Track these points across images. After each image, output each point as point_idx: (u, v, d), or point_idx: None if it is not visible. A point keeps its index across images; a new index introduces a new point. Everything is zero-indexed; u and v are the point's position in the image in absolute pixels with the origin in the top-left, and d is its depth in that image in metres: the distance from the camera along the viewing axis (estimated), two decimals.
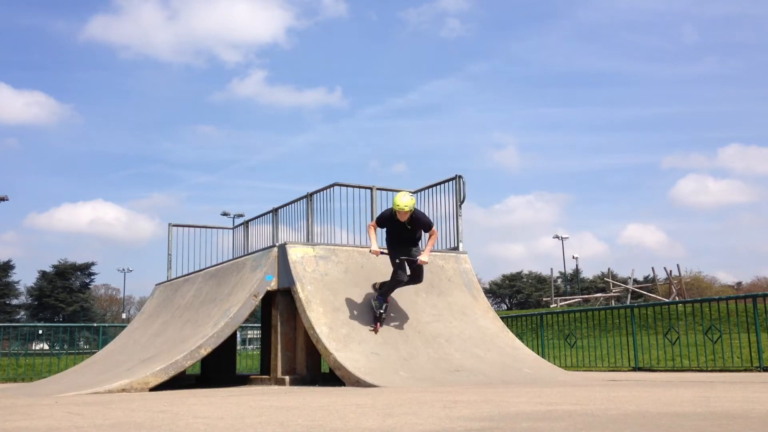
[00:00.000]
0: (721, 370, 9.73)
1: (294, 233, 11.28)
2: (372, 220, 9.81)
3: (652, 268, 50.54)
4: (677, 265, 44.79)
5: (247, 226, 13.47)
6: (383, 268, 9.00)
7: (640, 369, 10.87)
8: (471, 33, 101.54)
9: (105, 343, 13.91)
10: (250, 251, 11.77)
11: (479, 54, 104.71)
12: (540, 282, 71.83)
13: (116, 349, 11.07)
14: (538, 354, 10.25)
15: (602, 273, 62.57)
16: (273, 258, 8.67)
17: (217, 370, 10.95)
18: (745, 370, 9.56)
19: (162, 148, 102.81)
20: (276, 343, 8.58)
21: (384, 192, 10.11)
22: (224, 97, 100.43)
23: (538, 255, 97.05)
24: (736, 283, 72.13)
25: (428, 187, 10.32)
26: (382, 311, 8.15)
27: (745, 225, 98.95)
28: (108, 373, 8.67)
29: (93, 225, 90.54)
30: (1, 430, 3.44)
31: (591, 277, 71.98)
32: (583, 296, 48.66)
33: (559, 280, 67.76)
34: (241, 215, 39.03)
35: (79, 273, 59.17)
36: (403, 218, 8.02)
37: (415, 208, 8.10)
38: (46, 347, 19.49)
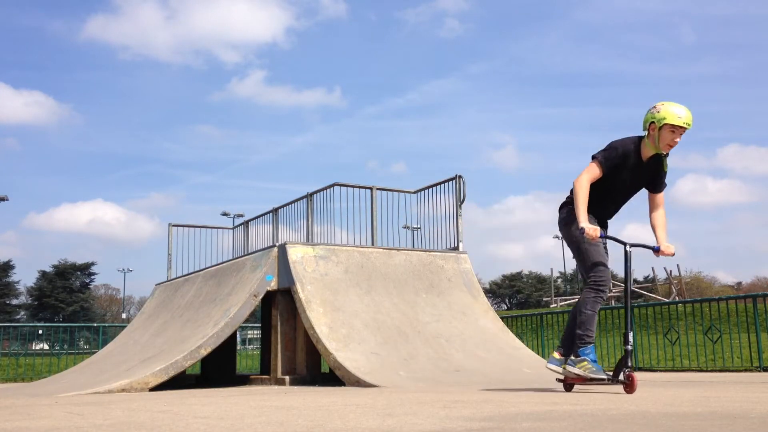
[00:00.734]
0: (721, 370, 9.72)
1: (294, 233, 11.29)
2: (373, 220, 9.80)
3: (652, 268, 50.58)
4: (677, 265, 44.84)
5: (247, 226, 13.47)
6: (384, 269, 9.01)
7: (640, 369, 10.87)
8: (470, 33, 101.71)
9: (105, 343, 13.92)
10: (250, 251, 11.77)
11: (478, 54, 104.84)
12: (540, 282, 71.85)
13: (116, 349, 11.07)
14: (538, 354, 10.25)
15: None
16: (273, 258, 8.67)
17: (217, 370, 10.95)
18: (745, 370, 9.56)
19: (161, 148, 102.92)
20: (276, 343, 8.58)
21: (384, 192, 10.11)
22: (224, 97, 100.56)
23: (537, 255, 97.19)
24: (736, 283, 72.17)
25: (428, 187, 10.32)
26: (603, 376, 5.26)
27: (744, 225, 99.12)
28: (108, 373, 8.67)
29: (92, 225, 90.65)
30: (1, 430, 3.44)
31: None
32: None
33: (559, 280, 67.76)
34: (241, 215, 39.08)
35: (79, 273, 59.22)
36: (667, 148, 4.88)
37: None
38: (46, 347, 19.49)
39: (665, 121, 4.73)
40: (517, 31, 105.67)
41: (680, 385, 6.05)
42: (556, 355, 5.34)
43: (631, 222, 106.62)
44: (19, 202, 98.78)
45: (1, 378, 13.60)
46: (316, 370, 8.53)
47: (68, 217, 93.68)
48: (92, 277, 61.03)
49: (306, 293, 8.15)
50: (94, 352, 13.63)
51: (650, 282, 51.27)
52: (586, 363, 5.23)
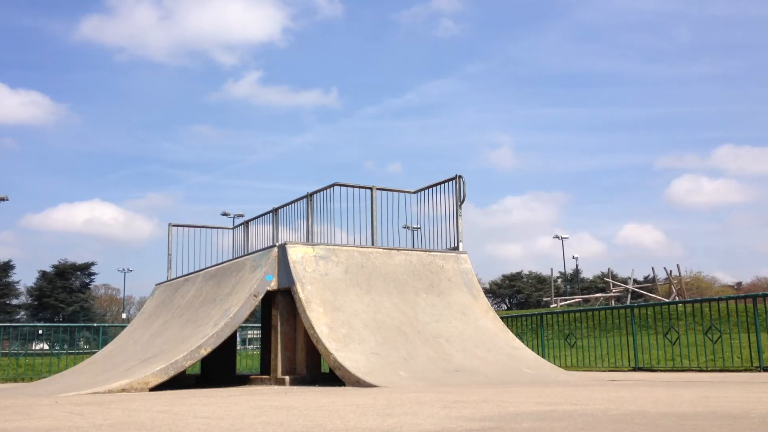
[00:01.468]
0: (721, 370, 9.73)
1: (294, 233, 11.28)
2: (373, 220, 9.80)
3: (652, 268, 50.59)
4: (677, 265, 44.85)
5: (247, 226, 13.47)
6: (384, 269, 9.01)
7: (640, 369, 10.87)
8: (468, 34, 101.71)
9: (105, 343, 13.92)
10: (250, 251, 11.77)
11: (476, 55, 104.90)
12: (540, 282, 71.84)
13: (116, 349, 11.07)
14: (538, 354, 10.25)
15: (602, 273, 62.59)
16: (273, 258, 8.67)
17: (217, 370, 10.95)
18: (745, 370, 9.56)
19: (160, 148, 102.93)
20: (276, 343, 8.58)
21: (384, 192, 10.11)
22: (221, 97, 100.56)
23: (535, 255, 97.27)
24: (736, 283, 72.17)
25: (428, 187, 10.32)
26: None
27: (741, 225, 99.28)
28: (108, 373, 8.67)
29: (91, 225, 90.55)
30: (1, 430, 3.44)
31: (591, 277, 72.01)
32: (583, 296, 48.67)
33: (559, 280, 67.77)
34: (241, 215, 39.06)
35: (79, 273, 59.18)
36: None
37: None
38: (46, 347, 19.48)
39: None
40: (515, 31, 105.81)
41: (680, 385, 6.05)
42: None
43: (629, 222, 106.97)
44: (17, 202, 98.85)
45: (1, 378, 13.60)
46: (316, 370, 8.53)
47: (66, 217, 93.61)
48: (92, 277, 61.03)
49: (306, 293, 8.15)
50: (94, 352, 13.63)
51: (650, 282, 51.26)
52: None
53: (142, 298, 61.32)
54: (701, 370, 9.93)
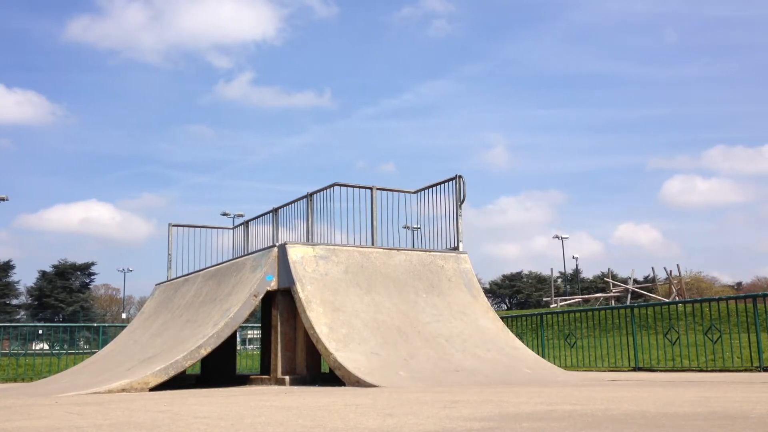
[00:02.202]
0: (721, 370, 9.73)
1: (294, 233, 11.28)
2: (373, 220, 9.80)
3: (652, 268, 50.60)
4: (677, 265, 44.85)
5: (247, 226, 13.47)
6: (384, 269, 9.01)
7: (640, 369, 10.87)
8: (463, 35, 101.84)
9: (105, 343, 13.92)
10: (250, 251, 11.77)
11: (471, 56, 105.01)
12: (540, 282, 71.85)
13: (116, 349, 11.07)
14: (538, 354, 10.25)
15: (602, 273, 62.60)
16: (273, 258, 8.67)
17: (217, 370, 10.95)
18: (745, 370, 9.56)
19: (156, 148, 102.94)
20: (276, 343, 8.58)
21: (384, 192, 10.11)
22: (221, 97, 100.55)
23: (533, 255, 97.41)
24: (736, 283, 72.19)
25: (428, 187, 10.32)
26: None
27: (737, 225, 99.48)
28: (108, 373, 8.67)
29: (88, 225, 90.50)
30: (1, 430, 3.44)
31: (591, 277, 72.03)
32: (583, 296, 48.67)
33: (559, 280, 67.77)
34: (241, 215, 39.05)
35: (78, 273, 59.18)
36: None
37: None
38: (46, 347, 19.48)
39: None
40: (511, 33, 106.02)
41: (680, 385, 6.05)
42: None
43: (625, 222, 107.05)
44: (12, 202, 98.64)
45: (1, 378, 13.60)
46: (316, 370, 8.53)
47: (63, 218, 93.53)
48: (92, 277, 61.03)
49: (306, 293, 8.15)
50: (94, 352, 13.63)
51: (650, 282, 51.27)
52: None
53: (142, 298, 61.32)
54: (701, 370, 9.93)
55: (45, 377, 12.52)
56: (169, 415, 4.03)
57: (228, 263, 10.33)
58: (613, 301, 43.71)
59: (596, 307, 27.62)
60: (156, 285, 13.01)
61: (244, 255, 10.61)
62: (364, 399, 4.86)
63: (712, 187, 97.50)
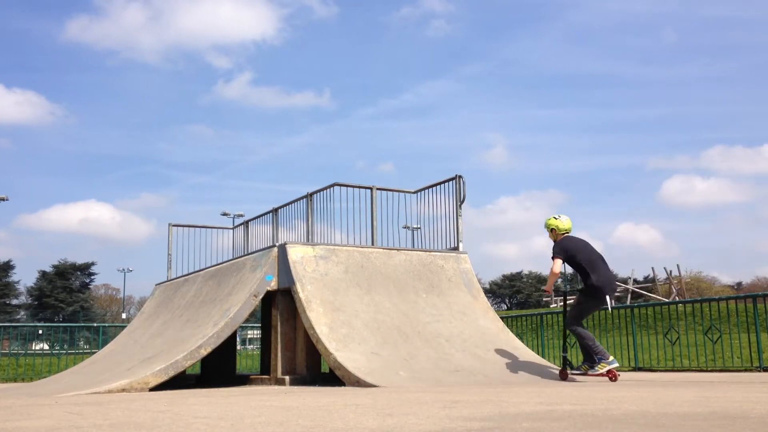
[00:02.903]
0: (721, 370, 9.72)
1: (294, 233, 11.28)
2: (373, 220, 9.81)
3: (652, 268, 50.62)
4: (677, 265, 44.87)
5: (247, 226, 13.47)
6: (384, 269, 9.00)
7: (640, 369, 10.87)
8: (463, 35, 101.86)
9: (105, 343, 13.91)
10: (250, 251, 11.77)
11: (472, 56, 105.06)
12: (540, 282, 71.83)
13: (116, 349, 11.07)
14: (538, 354, 10.25)
15: None
16: (273, 258, 8.67)
17: (217, 370, 10.95)
18: (745, 370, 9.56)
19: (156, 148, 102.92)
20: (276, 343, 8.58)
21: (384, 192, 10.11)
22: (221, 97, 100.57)
23: (532, 255, 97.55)
24: (736, 283, 72.17)
25: (428, 187, 10.32)
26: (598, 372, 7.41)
27: (735, 225, 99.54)
28: (108, 373, 8.67)
29: (88, 225, 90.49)
30: (1, 430, 3.44)
31: None
32: None
33: (560, 280, 67.67)
34: (241, 215, 39.04)
35: (78, 273, 59.19)
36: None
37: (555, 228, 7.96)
38: (46, 347, 19.47)
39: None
40: (511, 33, 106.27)
41: (680, 385, 6.05)
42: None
43: (624, 222, 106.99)
44: (12, 202, 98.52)
45: (1, 378, 13.60)
46: (316, 370, 8.53)
47: (63, 218, 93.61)
48: (92, 277, 61.06)
49: (306, 293, 8.14)
50: (94, 352, 13.62)
51: (650, 282, 51.27)
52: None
53: (142, 298, 61.27)
54: (701, 370, 9.92)
55: (45, 377, 12.52)
56: (169, 415, 4.03)
57: (228, 263, 10.32)
58: (613, 301, 43.66)
59: None
60: (156, 285, 13.01)
61: (244, 255, 10.61)
62: (364, 399, 4.86)
63: (711, 187, 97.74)
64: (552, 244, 7.95)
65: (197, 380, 10.67)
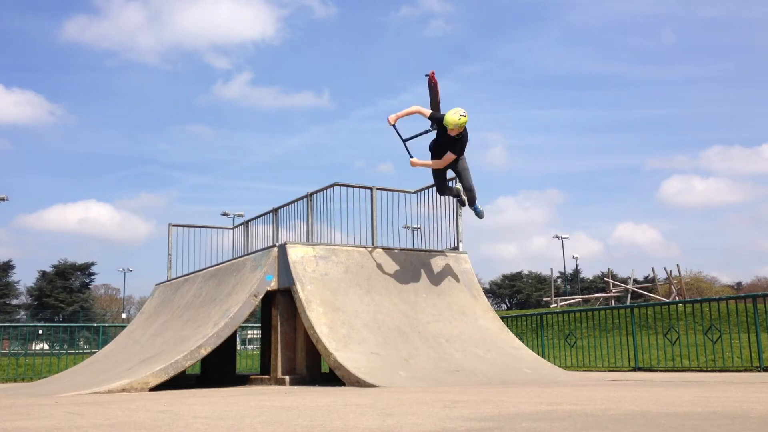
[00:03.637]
0: (721, 370, 9.72)
1: (294, 233, 11.28)
2: (373, 220, 9.81)
3: (652, 268, 50.62)
4: (677, 265, 44.83)
5: (247, 226, 13.47)
6: (384, 269, 9.01)
7: (640, 369, 10.87)
8: (463, 35, 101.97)
9: (105, 343, 13.92)
10: (250, 251, 11.77)
11: (471, 56, 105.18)
12: (540, 282, 71.86)
13: (116, 349, 11.07)
14: (538, 354, 10.25)
15: (602, 273, 62.59)
16: (273, 258, 8.67)
17: (217, 370, 10.95)
18: (745, 370, 9.56)
19: (155, 149, 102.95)
20: (276, 343, 8.58)
21: (384, 192, 10.11)
22: (220, 98, 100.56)
23: (532, 255, 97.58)
24: (736, 283, 72.18)
25: (428, 187, 10.30)
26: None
27: (734, 225, 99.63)
28: (108, 373, 8.67)
29: (87, 225, 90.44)
30: (1, 430, 3.44)
31: (591, 277, 72.03)
32: (583, 296, 48.66)
33: (559, 280, 67.75)
34: (240, 215, 39.05)
35: (78, 273, 59.16)
36: (453, 133, 8.00)
37: (464, 129, 8.11)
38: (46, 347, 19.48)
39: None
40: (509, 34, 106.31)
41: (680, 385, 6.05)
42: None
43: (623, 222, 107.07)
44: (13, 202, 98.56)
45: (1, 378, 13.60)
46: (316, 370, 8.53)
47: (62, 218, 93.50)
48: (92, 277, 61.01)
49: (306, 293, 8.15)
50: (94, 352, 13.62)
51: (650, 282, 51.27)
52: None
53: (142, 298, 61.23)
54: (701, 370, 9.92)
55: (45, 377, 12.52)
56: (169, 415, 4.03)
57: (228, 263, 10.33)
58: (613, 301, 43.70)
59: (596, 307, 27.62)
60: (156, 285, 13.01)
61: (244, 255, 10.61)
62: (364, 399, 4.86)
63: (710, 187, 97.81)
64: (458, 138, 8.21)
65: (197, 380, 10.67)
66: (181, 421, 3.62)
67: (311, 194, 10.52)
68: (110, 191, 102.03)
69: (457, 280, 9.45)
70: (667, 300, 30.51)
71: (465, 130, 8.16)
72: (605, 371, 10.94)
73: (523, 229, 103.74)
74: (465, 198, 8.80)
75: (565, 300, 46.57)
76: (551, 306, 43.59)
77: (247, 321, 9.98)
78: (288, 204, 11.53)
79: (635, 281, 50.34)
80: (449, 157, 8.24)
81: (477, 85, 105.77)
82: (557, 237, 64.58)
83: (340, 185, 9.91)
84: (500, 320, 9.40)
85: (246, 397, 5.57)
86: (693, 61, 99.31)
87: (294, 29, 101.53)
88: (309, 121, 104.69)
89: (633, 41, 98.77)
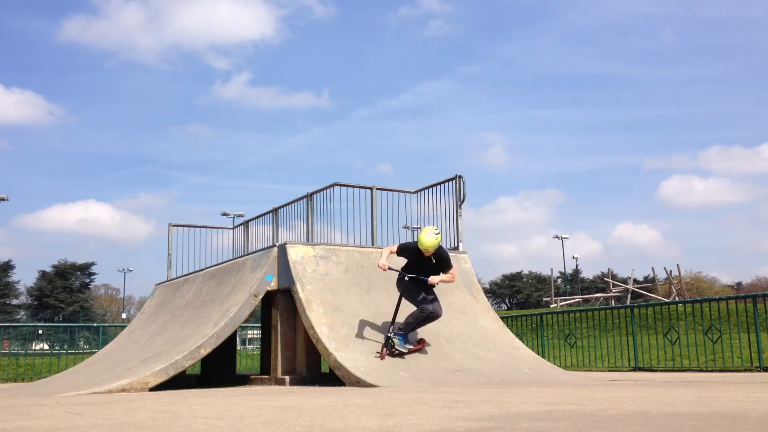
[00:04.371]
0: (721, 370, 9.72)
1: (294, 233, 11.29)
2: (373, 220, 9.81)
3: (652, 268, 50.60)
4: (677, 265, 44.81)
5: (247, 226, 13.47)
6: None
7: (640, 369, 10.87)
8: (462, 35, 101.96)
9: (105, 343, 13.92)
10: (250, 251, 11.77)
11: (471, 56, 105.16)
12: (540, 282, 71.84)
13: (116, 349, 11.07)
14: (538, 354, 10.25)
15: (602, 273, 62.59)
16: (273, 258, 8.67)
17: (217, 370, 10.95)
18: (745, 370, 9.56)
19: (156, 148, 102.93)
20: (276, 343, 8.58)
21: (384, 192, 10.11)
22: (219, 98, 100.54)
23: (531, 255, 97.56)
24: (736, 283, 72.18)
25: (428, 187, 10.32)
26: (404, 350, 7.67)
27: (734, 225, 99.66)
28: (108, 373, 8.67)
29: (87, 225, 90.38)
30: (1, 430, 3.44)
31: (591, 277, 72.02)
32: (583, 296, 48.66)
33: (559, 280, 67.76)
34: (240, 215, 39.04)
35: (78, 273, 59.15)
36: (428, 254, 7.93)
37: (439, 245, 7.99)
38: (46, 347, 19.48)
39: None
40: (509, 34, 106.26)
41: (680, 385, 6.05)
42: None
43: (623, 222, 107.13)
44: (13, 202, 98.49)
45: (1, 378, 13.60)
46: (316, 370, 8.53)
47: (62, 218, 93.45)
48: (92, 277, 61.01)
49: (306, 293, 8.14)
50: (94, 352, 13.63)
51: (650, 282, 51.26)
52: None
53: (142, 298, 61.22)
54: (701, 370, 9.92)
55: (45, 377, 12.52)
56: (169, 415, 4.03)
57: (228, 263, 10.33)
58: (613, 301, 43.70)
59: (596, 307, 27.62)
60: (156, 285, 13.01)
61: (244, 255, 10.61)
62: (364, 399, 4.86)
63: (709, 187, 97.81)
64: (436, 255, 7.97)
65: (197, 380, 10.67)
66: (181, 421, 3.62)
67: (311, 194, 10.52)
68: (110, 191, 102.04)
69: (457, 280, 9.42)
70: (667, 300, 30.51)
71: (440, 246, 8.02)
72: (605, 371, 10.94)
73: (523, 229, 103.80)
74: (395, 332, 7.83)
75: (565, 300, 46.57)
76: (551, 306, 43.58)
77: (247, 321, 9.98)
78: (288, 204, 11.53)
79: (635, 281, 50.33)
80: (455, 270, 8.25)
81: (477, 85, 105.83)
82: (557, 237, 64.61)
83: (340, 185, 9.91)
84: (500, 320, 9.40)
85: (246, 397, 5.57)
86: (693, 61, 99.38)
87: (293, 29, 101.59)
88: (309, 121, 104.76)
89: (633, 41, 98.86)
